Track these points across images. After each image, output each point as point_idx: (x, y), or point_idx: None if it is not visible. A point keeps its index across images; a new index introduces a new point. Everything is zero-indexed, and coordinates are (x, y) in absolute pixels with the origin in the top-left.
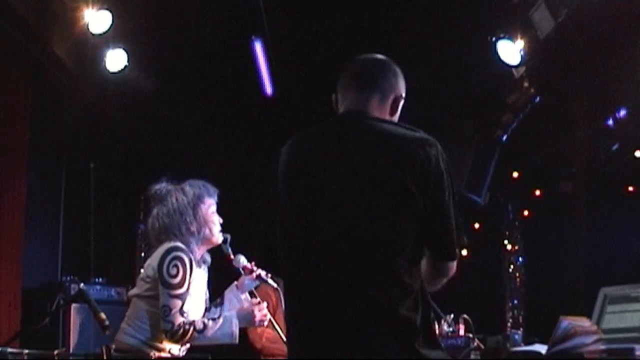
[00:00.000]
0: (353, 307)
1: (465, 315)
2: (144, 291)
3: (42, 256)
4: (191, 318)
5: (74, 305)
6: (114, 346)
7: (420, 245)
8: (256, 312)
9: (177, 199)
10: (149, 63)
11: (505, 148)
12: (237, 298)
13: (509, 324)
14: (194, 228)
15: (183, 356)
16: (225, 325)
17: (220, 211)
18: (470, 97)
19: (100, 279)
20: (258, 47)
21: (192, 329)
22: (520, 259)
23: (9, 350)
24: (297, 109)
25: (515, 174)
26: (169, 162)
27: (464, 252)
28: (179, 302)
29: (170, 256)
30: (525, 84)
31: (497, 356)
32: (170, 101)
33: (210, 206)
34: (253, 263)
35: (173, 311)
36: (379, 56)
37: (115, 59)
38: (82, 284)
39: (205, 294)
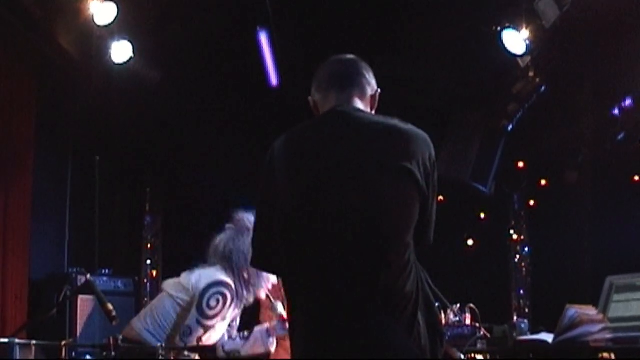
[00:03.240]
0: (355, 294)
1: (471, 305)
2: (178, 297)
3: (49, 248)
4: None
5: (80, 297)
6: (121, 336)
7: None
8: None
9: (247, 232)
10: (154, 54)
11: (511, 138)
12: (264, 339)
13: (514, 314)
14: (247, 277)
15: (190, 346)
16: None
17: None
18: (475, 87)
19: (107, 271)
20: (263, 38)
21: None
22: (526, 248)
23: (17, 341)
24: (303, 100)
25: (520, 164)
26: (174, 154)
27: (470, 242)
28: (202, 331)
29: (217, 289)
30: (531, 74)
31: (504, 345)
32: (176, 93)
33: None
34: None
35: (192, 336)
36: (349, 56)
37: (121, 51)
38: (89, 275)
39: (235, 321)
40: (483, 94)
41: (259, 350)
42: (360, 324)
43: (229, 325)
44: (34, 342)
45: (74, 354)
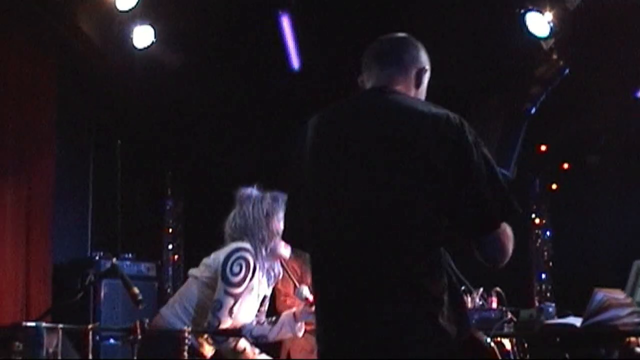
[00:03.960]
0: (376, 280)
1: (497, 288)
2: (201, 275)
3: (71, 233)
4: (238, 322)
5: (103, 281)
6: (147, 320)
7: (443, 218)
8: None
9: (254, 206)
10: (175, 39)
11: (533, 121)
12: (291, 325)
13: (536, 298)
14: (262, 237)
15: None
16: None
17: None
18: (498, 71)
19: (129, 255)
20: (284, 21)
21: (234, 344)
22: (548, 232)
23: (44, 324)
24: (324, 84)
25: (543, 147)
26: (195, 138)
27: None
28: (232, 301)
29: (237, 255)
30: (554, 56)
31: (531, 329)
32: (197, 77)
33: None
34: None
35: (224, 309)
36: (399, 34)
37: (142, 36)
38: (114, 260)
39: (265, 305)
40: (505, 78)
41: (287, 335)
42: (379, 312)
43: (258, 310)
44: (60, 325)
45: (97, 337)
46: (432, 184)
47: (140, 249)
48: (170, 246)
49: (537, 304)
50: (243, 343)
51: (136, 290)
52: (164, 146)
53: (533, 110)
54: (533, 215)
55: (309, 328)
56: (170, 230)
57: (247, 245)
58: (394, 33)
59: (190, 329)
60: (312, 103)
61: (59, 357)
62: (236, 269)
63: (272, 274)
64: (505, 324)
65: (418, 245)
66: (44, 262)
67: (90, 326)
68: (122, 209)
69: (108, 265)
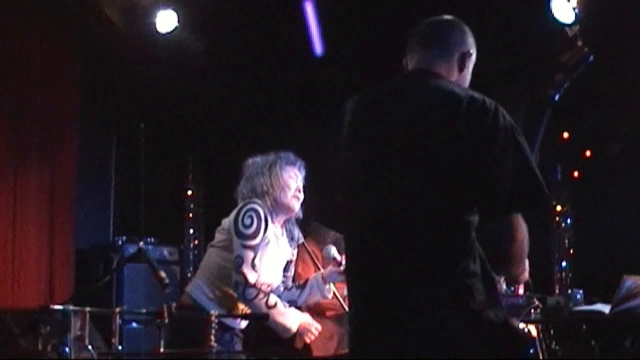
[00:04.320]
0: (408, 266)
1: None
2: (217, 242)
3: (94, 217)
4: (264, 280)
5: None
6: (174, 304)
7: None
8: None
9: (256, 163)
10: (198, 24)
11: (556, 108)
12: (320, 288)
13: (557, 285)
14: (266, 188)
15: (242, 314)
16: (289, 317)
17: None
18: (522, 57)
19: (152, 239)
20: (308, 6)
21: (264, 299)
22: (569, 220)
23: (71, 307)
24: (348, 69)
25: (565, 135)
26: (218, 123)
27: None
28: (252, 254)
29: (246, 208)
30: (579, 43)
31: (559, 315)
32: (220, 62)
33: (287, 172)
34: (343, 257)
35: (245, 263)
36: (445, 17)
37: (165, 20)
38: (141, 243)
39: (290, 270)
40: (530, 64)
41: (316, 298)
42: (411, 298)
43: (284, 276)
44: (87, 308)
45: (120, 322)
46: (464, 167)
47: (162, 234)
48: (191, 231)
49: (557, 291)
50: (273, 298)
51: (163, 274)
52: (186, 131)
53: (556, 97)
54: (554, 203)
55: (330, 314)
56: (191, 215)
57: (255, 200)
58: (441, 16)
59: (216, 312)
60: (334, 89)
61: (86, 341)
62: (247, 221)
63: (293, 235)
64: (534, 310)
65: (450, 230)
66: (67, 246)
67: (117, 309)
68: (145, 193)
69: (132, 249)
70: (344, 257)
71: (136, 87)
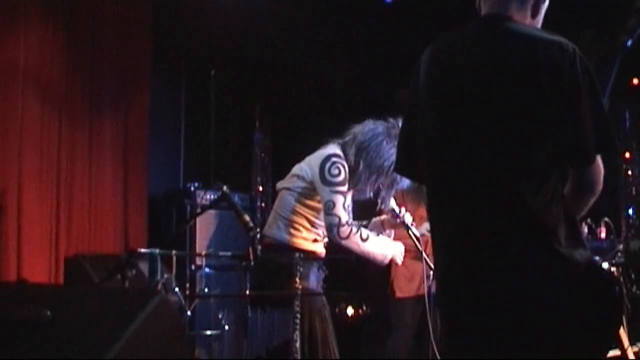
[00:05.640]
0: (491, 209)
1: (606, 219)
2: (296, 187)
3: (165, 164)
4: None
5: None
6: (259, 247)
7: (556, 150)
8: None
9: (385, 152)
10: None
11: (627, 53)
12: (380, 233)
13: (624, 231)
14: (357, 174)
15: (326, 255)
16: (382, 245)
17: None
18: (595, 2)
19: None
20: None
21: (358, 234)
22: (637, 170)
23: (158, 251)
24: (417, 15)
25: (635, 81)
26: (286, 71)
27: None
28: (342, 198)
29: (332, 160)
30: None
31: None
32: (289, 9)
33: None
34: (403, 209)
35: (337, 205)
36: None
37: None
38: (225, 187)
39: (349, 209)
40: (603, 9)
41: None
42: (495, 244)
43: None
44: (174, 252)
45: (192, 267)
46: (543, 112)
47: (229, 180)
48: (259, 178)
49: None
50: (365, 232)
51: (247, 217)
52: (255, 77)
53: (629, 43)
54: (622, 149)
55: (411, 255)
56: (259, 162)
57: (338, 151)
58: None
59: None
60: (404, 35)
61: (173, 284)
62: (335, 171)
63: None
64: (618, 254)
65: (532, 175)
66: (141, 192)
67: (204, 252)
68: (215, 140)
69: (207, 195)
70: (402, 209)
71: (206, 35)
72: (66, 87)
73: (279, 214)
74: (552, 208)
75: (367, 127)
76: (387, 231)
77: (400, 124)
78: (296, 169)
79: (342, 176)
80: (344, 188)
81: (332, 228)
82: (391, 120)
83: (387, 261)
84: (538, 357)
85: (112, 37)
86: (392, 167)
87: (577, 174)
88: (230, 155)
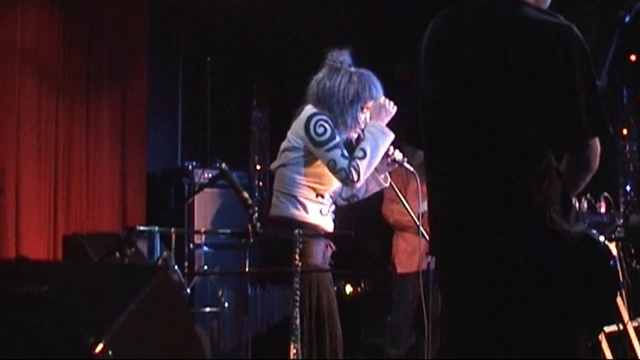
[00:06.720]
0: (483, 186)
1: (606, 194)
2: (291, 160)
3: (163, 143)
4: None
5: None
6: (259, 224)
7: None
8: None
9: (342, 83)
10: None
11: (624, 29)
12: (376, 179)
13: (622, 207)
14: (340, 120)
15: (327, 233)
16: (376, 137)
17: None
18: None
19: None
20: None
21: (360, 164)
22: (635, 146)
23: (157, 228)
24: None
25: (632, 57)
26: (284, 49)
27: None
28: (338, 150)
29: (314, 119)
30: None
31: None
32: None
33: (365, 111)
34: (392, 147)
35: (338, 160)
36: None
37: None
38: (224, 165)
39: None
40: None
41: (375, 189)
42: (488, 218)
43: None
44: (173, 229)
45: (191, 245)
46: (535, 92)
47: (228, 159)
48: (256, 157)
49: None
50: (360, 153)
51: (245, 194)
52: (251, 58)
53: (628, 19)
54: (619, 126)
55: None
56: (257, 140)
57: (317, 111)
58: None
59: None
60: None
61: (172, 261)
62: (320, 130)
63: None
64: (618, 228)
65: (525, 153)
66: (139, 172)
67: (203, 229)
68: (211, 120)
69: (205, 174)
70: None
71: (204, 14)
72: (64, 68)
73: (281, 191)
74: (545, 185)
75: (316, 80)
76: (382, 176)
77: (338, 55)
78: (284, 144)
79: (329, 130)
80: (336, 140)
81: (346, 182)
82: (328, 56)
83: (392, 135)
84: (534, 330)
85: (110, 17)
86: (352, 91)
87: (572, 158)
88: (228, 134)
